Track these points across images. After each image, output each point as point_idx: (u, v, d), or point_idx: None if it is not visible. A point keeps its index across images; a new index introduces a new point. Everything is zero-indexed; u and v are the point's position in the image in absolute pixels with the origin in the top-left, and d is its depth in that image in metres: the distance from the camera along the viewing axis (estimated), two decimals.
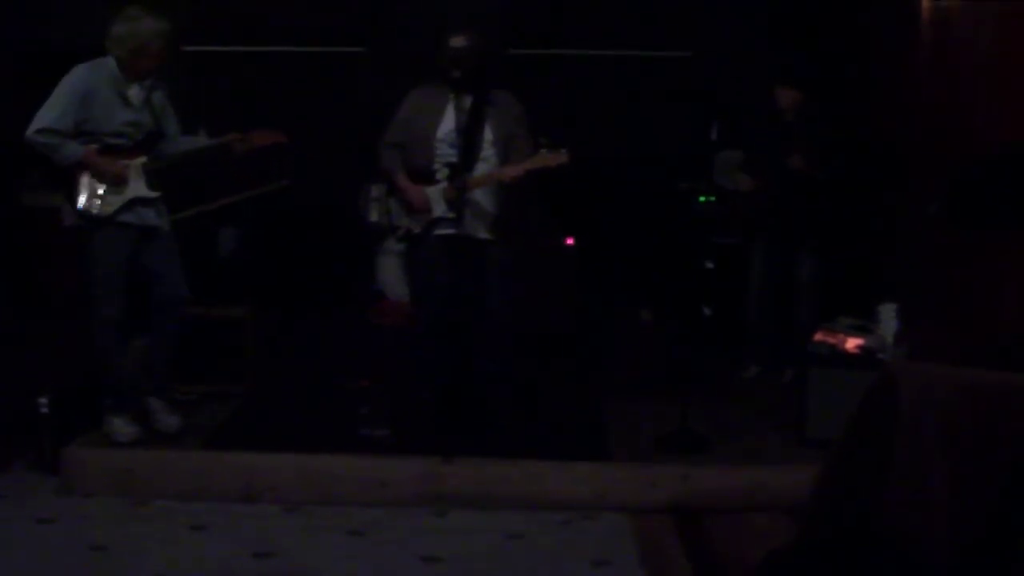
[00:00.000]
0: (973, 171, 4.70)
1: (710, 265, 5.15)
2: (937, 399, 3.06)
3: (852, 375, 4.50)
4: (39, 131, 4.45)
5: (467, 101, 4.80)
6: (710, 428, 4.89)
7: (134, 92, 4.62)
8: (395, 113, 4.94)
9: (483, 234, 4.86)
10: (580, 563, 3.96)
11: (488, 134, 4.81)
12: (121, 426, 4.66)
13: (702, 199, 6.16)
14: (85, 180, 4.55)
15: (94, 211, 4.55)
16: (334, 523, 4.26)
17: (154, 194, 4.67)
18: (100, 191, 4.55)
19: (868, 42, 6.48)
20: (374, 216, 5.19)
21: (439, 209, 4.81)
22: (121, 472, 4.51)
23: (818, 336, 4.90)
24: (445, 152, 4.81)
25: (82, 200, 4.54)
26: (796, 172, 5.42)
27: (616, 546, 4.10)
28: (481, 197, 4.84)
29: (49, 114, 4.46)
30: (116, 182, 4.56)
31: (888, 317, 4.88)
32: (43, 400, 4.73)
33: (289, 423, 5.08)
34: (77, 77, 4.52)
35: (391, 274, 5.79)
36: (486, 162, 4.82)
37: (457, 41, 4.75)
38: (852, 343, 4.82)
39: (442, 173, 4.79)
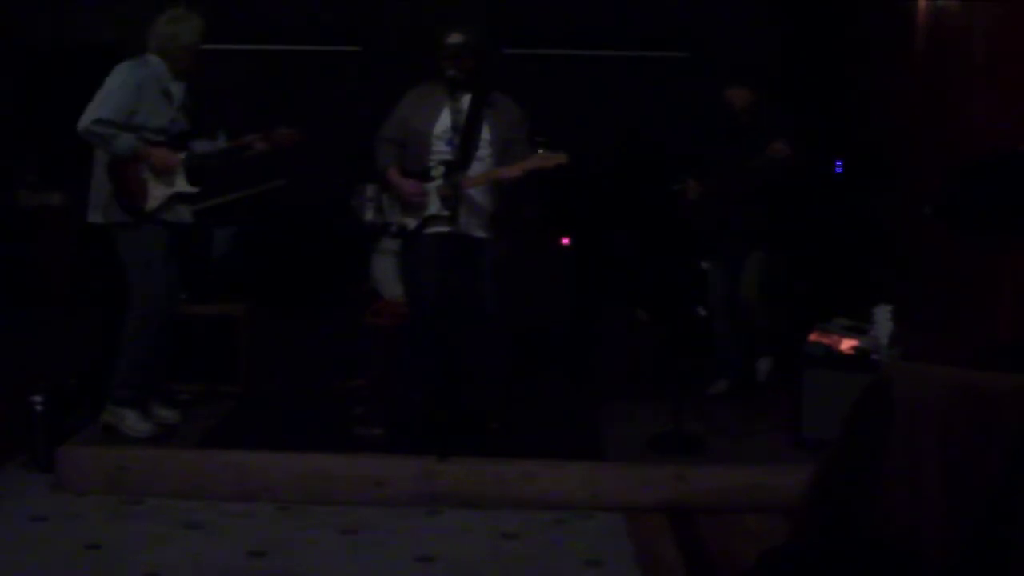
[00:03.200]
0: (970, 172, 4.70)
1: (705, 266, 5.15)
2: (931, 400, 3.06)
3: (847, 376, 4.51)
4: (96, 121, 4.43)
5: (465, 100, 4.79)
6: (704, 428, 4.90)
7: (176, 90, 4.66)
8: (393, 110, 4.94)
9: (477, 233, 4.84)
10: (574, 563, 3.96)
11: (486, 134, 4.79)
12: (136, 421, 4.67)
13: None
14: (139, 175, 4.54)
15: (148, 206, 4.56)
16: (328, 522, 4.25)
17: (193, 190, 4.70)
18: (152, 186, 4.57)
19: (866, 42, 6.48)
20: (369, 216, 5.18)
21: (433, 207, 4.80)
22: (115, 470, 4.50)
23: (813, 337, 4.90)
24: (441, 150, 4.79)
25: (126, 196, 4.54)
26: (775, 161, 5.20)
27: (610, 546, 4.10)
28: (476, 195, 4.82)
29: (105, 106, 4.45)
30: (168, 174, 4.59)
31: (883, 318, 4.88)
32: (37, 398, 4.73)
33: (283, 422, 5.08)
34: (129, 72, 4.52)
35: (386, 274, 5.77)
36: (482, 162, 4.80)
37: (453, 39, 4.74)
38: (847, 344, 4.82)
39: (436, 171, 4.77)
